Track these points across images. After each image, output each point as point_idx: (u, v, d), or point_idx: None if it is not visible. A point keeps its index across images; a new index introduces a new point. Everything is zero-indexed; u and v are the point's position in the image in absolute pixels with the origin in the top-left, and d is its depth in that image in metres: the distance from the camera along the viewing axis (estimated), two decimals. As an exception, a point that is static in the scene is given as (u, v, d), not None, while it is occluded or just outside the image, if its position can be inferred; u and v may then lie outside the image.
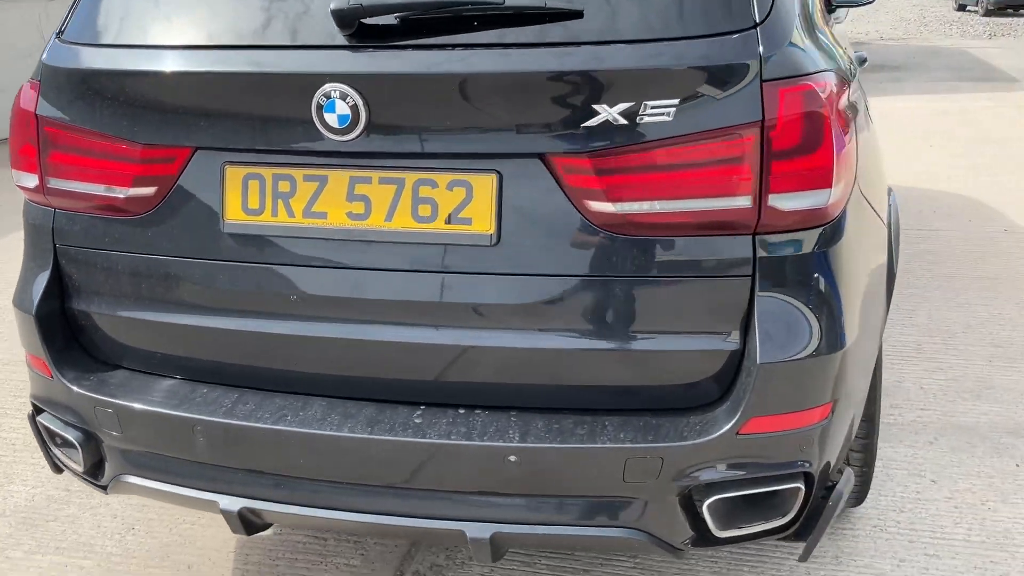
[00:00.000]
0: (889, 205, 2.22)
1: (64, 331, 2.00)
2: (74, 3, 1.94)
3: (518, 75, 1.63)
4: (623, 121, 1.60)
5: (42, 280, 1.98)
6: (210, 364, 1.91)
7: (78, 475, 2.05)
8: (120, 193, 1.86)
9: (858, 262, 1.81)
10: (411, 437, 1.73)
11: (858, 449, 2.22)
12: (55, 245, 1.98)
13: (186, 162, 1.82)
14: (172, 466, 1.91)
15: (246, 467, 1.85)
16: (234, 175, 1.79)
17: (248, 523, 1.89)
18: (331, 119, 1.67)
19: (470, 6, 1.63)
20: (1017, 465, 2.78)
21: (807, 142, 1.63)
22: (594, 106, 1.60)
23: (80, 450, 1.96)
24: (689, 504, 1.73)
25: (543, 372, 1.76)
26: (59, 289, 1.99)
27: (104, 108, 1.84)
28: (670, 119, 1.60)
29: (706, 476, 1.70)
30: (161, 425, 1.87)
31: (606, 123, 1.61)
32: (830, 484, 1.82)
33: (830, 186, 1.66)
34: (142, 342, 1.96)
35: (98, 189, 1.88)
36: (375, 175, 1.72)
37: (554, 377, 1.76)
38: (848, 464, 2.05)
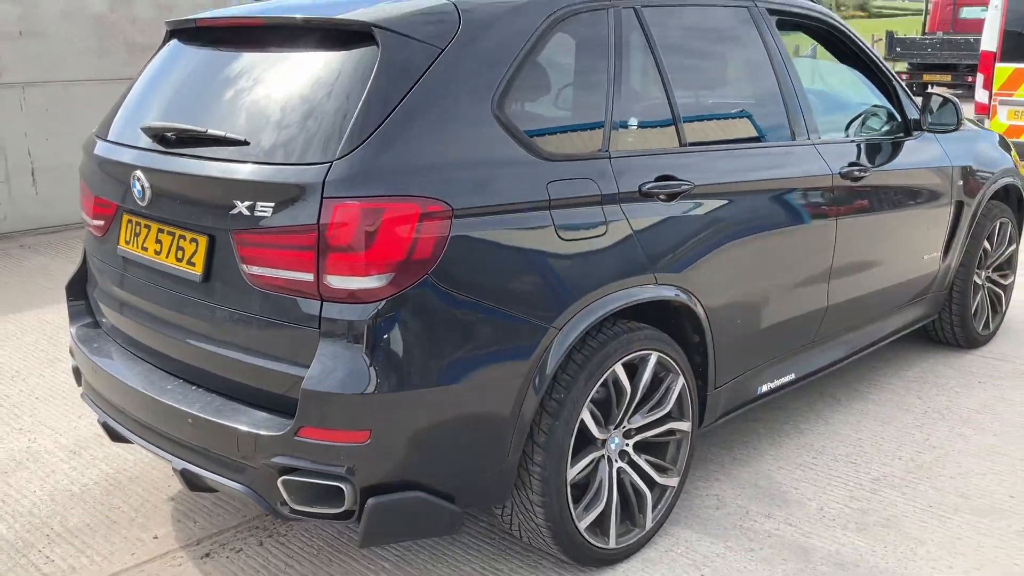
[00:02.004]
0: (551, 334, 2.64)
1: (81, 293, 3.33)
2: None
3: (206, 177, 2.58)
4: (247, 212, 2.47)
5: (79, 264, 3.35)
6: (114, 330, 3.11)
7: None
8: (93, 222, 3.14)
9: (424, 337, 2.42)
10: (153, 394, 2.74)
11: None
12: (84, 248, 3.33)
13: (116, 210, 3.03)
14: (90, 390, 3.14)
15: (104, 394, 3.01)
16: (125, 220, 2.96)
17: (110, 432, 3.05)
18: (135, 192, 2.76)
19: (186, 129, 2.64)
20: (796, 587, 2.90)
21: (351, 243, 2.35)
22: (235, 200, 2.49)
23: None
24: (277, 477, 2.50)
25: (221, 368, 2.66)
26: (84, 269, 3.33)
27: (90, 172, 3.13)
28: (270, 214, 2.43)
29: (279, 461, 2.47)
30: (81, 360, 3.10)
31: (240, 213, 2.49)
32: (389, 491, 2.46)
33: (363, 276, 2.35)
34: (98, 307, 3.23)
35: (87, 218, 3.18)
36: (166, 228, 2.78)
37: (226, 373, 2.65)
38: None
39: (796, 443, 3.87)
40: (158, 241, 2.80)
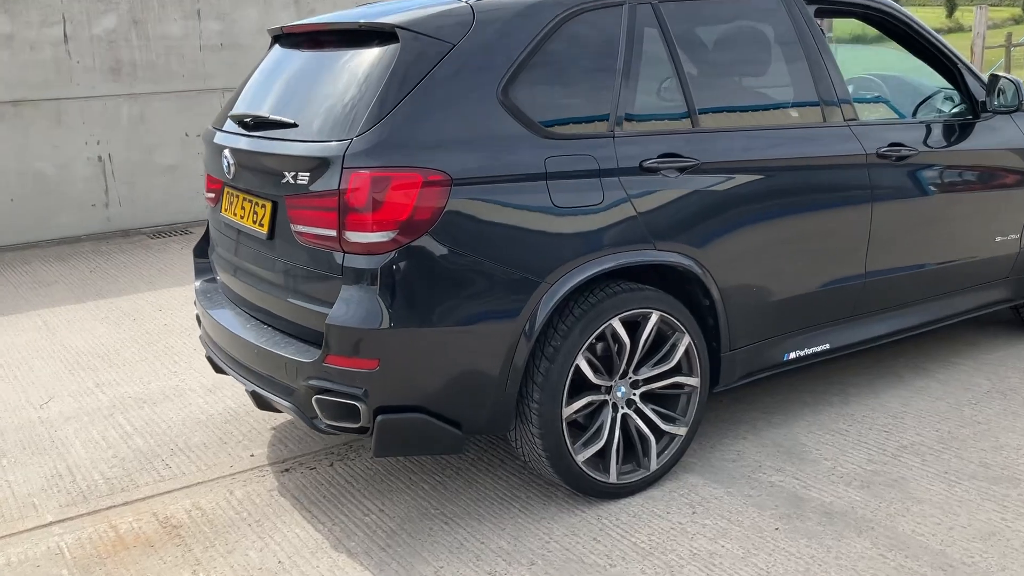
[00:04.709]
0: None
1: (204, 254, 4.08)
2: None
3: (267, 154, 3.20)
4: (292, 180, 3.06)
5: (204, 231, 4.10)
6: (222, 284, 3.81)
7: None
8: (208, 195, 3.86)
9: (425, 285, 2.91)
10: (236, 332, 3.40)
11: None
12: (208, 218, 4.08)
13: (221, 185, 3.72)
14: (204, 332, 3.86)
15: (209, 334, 3.71)
16: (226, 191, 3.64)
17: (213, 365, 3.75)
18: (224, 168, 3.43)
19: (255, 115, 3.27)
20: (776, 528, 3.16)
21: (364, 205, 2.88)
22: (284, 172, 3.09)
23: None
24: (312, 396, 3.08)
25: (280, 309, 3.27)
26: (207, 235, 4.07)
27: (207, 156, 3.85)
28: (307, 182, 3.01)
29: (314, 383, 3.04)
30: (199, 308, 3.83)
31: (289, 182, 3.08)
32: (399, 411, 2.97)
33: (374, 232, 2.87)
34: (214, 266, 3.95)
35: (206, 192, 3.90)
36: (246, 196, 3.43)
37: (283, 313, 3.26)
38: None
39: (837, 412, 4.05)
40: (242, 207, 3.46)
